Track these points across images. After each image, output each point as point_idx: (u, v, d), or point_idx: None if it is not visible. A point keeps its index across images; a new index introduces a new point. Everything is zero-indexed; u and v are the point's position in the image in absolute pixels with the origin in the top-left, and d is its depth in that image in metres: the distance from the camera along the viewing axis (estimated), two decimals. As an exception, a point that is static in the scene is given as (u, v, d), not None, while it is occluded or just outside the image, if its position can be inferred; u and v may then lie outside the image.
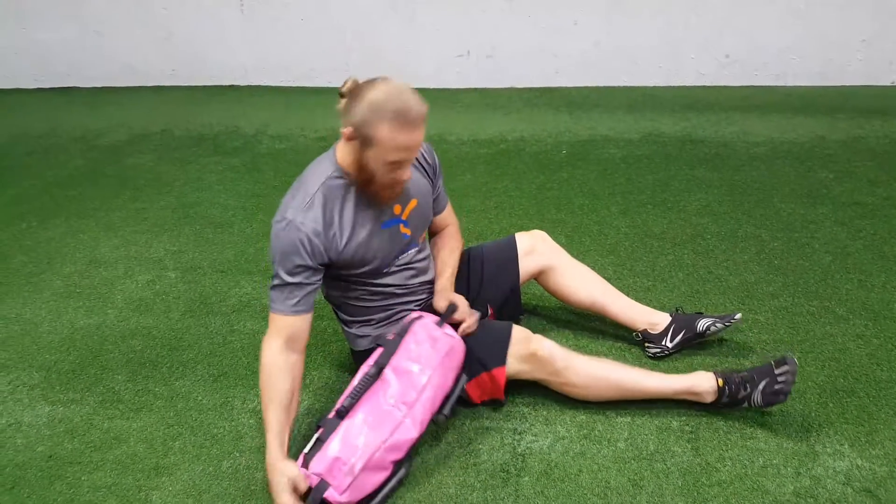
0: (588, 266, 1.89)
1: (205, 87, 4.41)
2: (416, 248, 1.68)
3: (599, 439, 1.60)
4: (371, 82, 1.45)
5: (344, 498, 1.40)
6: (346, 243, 1.52)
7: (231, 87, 4.38)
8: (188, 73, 4.45)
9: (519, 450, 1.58)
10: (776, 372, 1.58)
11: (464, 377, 1.62)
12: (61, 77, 4.63)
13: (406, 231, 1.63)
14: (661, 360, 1.84)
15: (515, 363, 1.62)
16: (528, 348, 1.61)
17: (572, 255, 1.89)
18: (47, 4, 4.37)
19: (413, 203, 1.64)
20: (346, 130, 1.44)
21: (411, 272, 1.68)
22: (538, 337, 1.65)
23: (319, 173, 1.53)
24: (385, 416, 1.46)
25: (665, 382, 1.65)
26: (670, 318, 1.84)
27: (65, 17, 4.39)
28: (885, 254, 2.24)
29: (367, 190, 1.51)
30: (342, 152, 1.52)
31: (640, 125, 3.44)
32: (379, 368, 1.52)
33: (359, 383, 1.50)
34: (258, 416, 1.71)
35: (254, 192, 2.94)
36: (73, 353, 2.01)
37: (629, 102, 3.77)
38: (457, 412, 1.66)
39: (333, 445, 1.42)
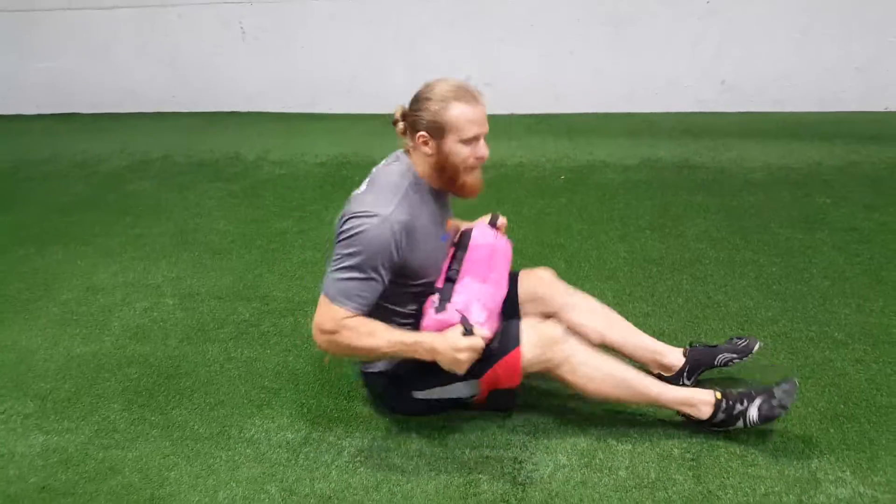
0: (588, 293, 1.87)
1: (206, 112, 4.43)
2: None
3: (600, 468, 1.58)
4: (423, 90, 1.54)
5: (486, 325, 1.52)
6: (421, 249, 1.55)
7: (232, 113, 4.41)
8: (190, 100, 4.48)
9: (519, 479, 1.56)
10: (775, 390, 1.59)
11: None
12: (62, 103, 4.66)
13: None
14: None
15: (529, 348, 1.57)
16: (541, 330, 1.60)
17: (571, 281, 1.87)
18: (50, 32, 4.42)
19: (449, 222, 1.74)
20: (420, 136, 1.51)
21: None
22: (550, 321, 1.65)
23: (400, 173, 1.56)
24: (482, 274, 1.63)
25: (666, 389, 1.64)
26: (684, 360, 1.79)
27: (67, 44, 4.43)
28: (883, 278, 2.24)
29: (455, 184, 1.57)
30: (417, 161, 1.57)
31: (638, 151, 3.46)
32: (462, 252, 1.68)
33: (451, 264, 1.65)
34: (255, 445, 1.70)
35: (253, 218, 2.94)
36: (69, 381, 2.00)
37: (628, 128, 3.79)
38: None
39: (457, 297, 1.55)
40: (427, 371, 1.55)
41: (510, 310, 1.76)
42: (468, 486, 1.56)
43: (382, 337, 1.49)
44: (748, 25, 3.76)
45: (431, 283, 1.62)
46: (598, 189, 3.06)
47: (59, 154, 3.88)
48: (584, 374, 1.60)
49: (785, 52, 3.79)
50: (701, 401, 1.62)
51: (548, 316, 1.79)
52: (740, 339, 1.82)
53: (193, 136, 4.03)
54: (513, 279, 1.81)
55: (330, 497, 1.55)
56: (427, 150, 1.52)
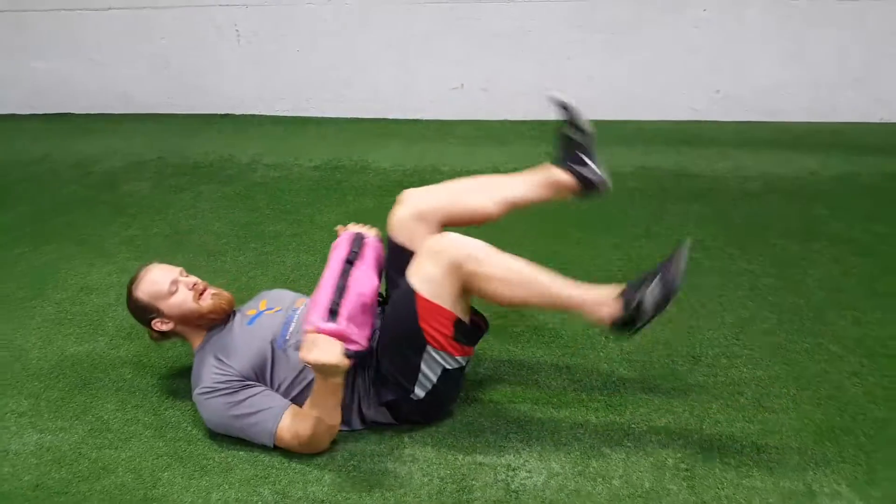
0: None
1: (200, 115, 4.42)
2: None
3: (594, 476, 1.58)
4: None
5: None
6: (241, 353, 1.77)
7: (226, 115, 4.40)
8: (184, 102, 4.46)
9: (513, 486, 1.56)
10: (667, 263, 1.56)
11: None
12: (56, 104, 4.64)
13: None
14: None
15: (422, 286, 1.55)
16: (419, 265, 1.58)
17: None
18: (43, 33, 4.40)
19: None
20: (154, 325, 1.78)
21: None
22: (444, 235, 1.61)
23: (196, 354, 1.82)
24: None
25: (568, 286, 1.61)
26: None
27: (62, 45, 4.42)
28: (879, 291, 2.25)
29: (203, 317, 1.78)
30: (188, 336, 1.82)
31: (633, 158, 3.47)
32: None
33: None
34: (248, 447, 1.69)
35: (247, 221, 2.93)
36: (63, 380, 1.99)
37: (622, 136, 3.80)
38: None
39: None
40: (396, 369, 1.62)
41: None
42: (461, 492, 1.55)
43: (315, 405, 1.59)
44: (744, 35, 3.78)
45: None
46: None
47: (52, 154, 3.86)
48: (495, 276, 1.53)
49: (780, 62, 3.81)
50: (602, 295, 1.58)
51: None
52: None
53: (188, 139, 4.02)
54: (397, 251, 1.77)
55: (323, 501, 1.54)
56: (165, 326, 1.77)
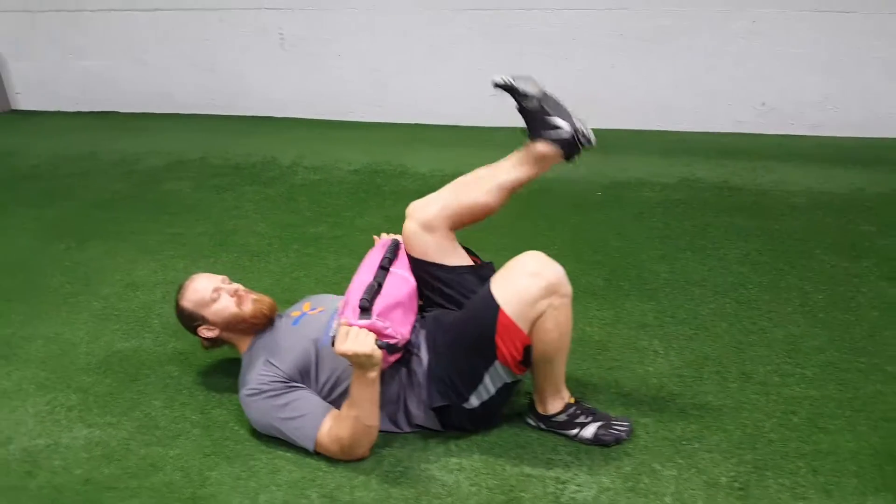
0: (629, 312, 1.84)
1: (241, 117, 4.48)
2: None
3: (646, 493, 1.55)
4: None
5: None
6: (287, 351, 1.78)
7: (267, 118, 4.45)
8: (226, 103, 4.52)
9: (563, 500, 1.54)
10: (613, 422, 1.69)
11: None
12: (101, 102, 4.73)
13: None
14: None
15: (508, 305, 1.54)
16: (516, 281, 1.56)
17: (612, 299, 1.88)
18: (92, 32, 4.50)
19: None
20: (200, 332, 1.82)
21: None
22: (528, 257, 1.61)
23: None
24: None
25: None
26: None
27: (110, 44, 4.51)
28: (934, 311, 2.19)
29: (247, 321, 1.81)
30: (235, 343, 1.85)
31: (675, 169, 3.43)
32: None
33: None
34: (295, 448, 1.69)
35: (289, 223, 2.95)
36: (111, 375, 2.01)
37: (663, 146, 3.77)
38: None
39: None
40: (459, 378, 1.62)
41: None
42: (510, 503, 1.54)
43: (353, 404, 1.59)
44: (792, 47, 3.72)
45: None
46: (634, 207, 3.03)
47: (97, 151, 3.93)
48: (561, 319, 1.57)
49: (829, 74, 3.75)
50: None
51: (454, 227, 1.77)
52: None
53: (229, 139, 4.07)
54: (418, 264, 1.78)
55: (371, 506, 1.54)
56: (210, 333, 1.81)
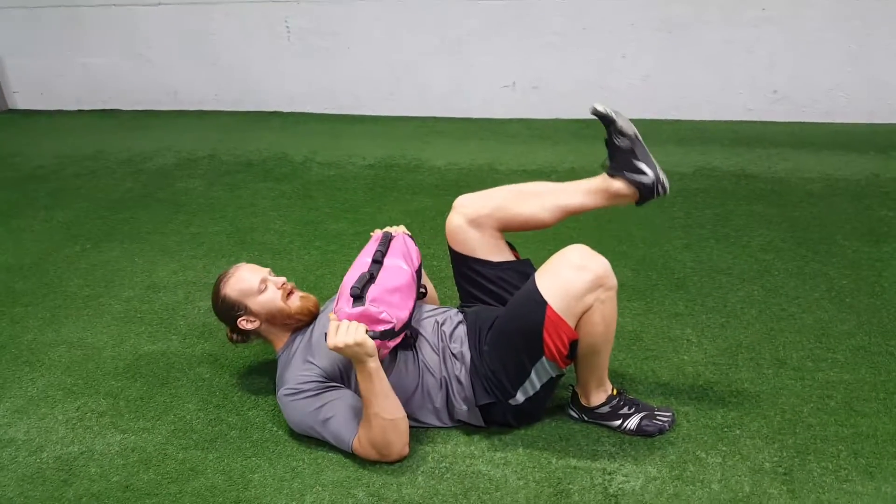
0: (660, 302, 1.83)
1: (248, 112, 4.44)
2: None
3: (692, 480, 1.55)
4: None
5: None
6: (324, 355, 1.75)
7: (275, 113, 4.41)
8: (232, 99, 4.48)
9: (611, 490, 1.53)
10: (657, 412, 1.69)
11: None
12: (104, 100, 4.68)
13: None
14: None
15: (555, 300, 1.51)
16: (562, 274, 1.53)
17: (641, 289, 1.89)
18: (94, 28, 4.44)
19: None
20: (241, 323, 1.77)
21: None
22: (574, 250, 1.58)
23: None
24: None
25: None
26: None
27: (112, 41, 4.45)
28: (959, 294, 2.19)
29: (292, 317, 1.77)
30: (269, 336, 1.81)
31: (691, 158, 3.42)
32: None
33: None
34: (338, 449, 1.67)
35: (309, 220, 2.92)
36: (140, 379, 1.99)
37: (678, 136, 3.76)
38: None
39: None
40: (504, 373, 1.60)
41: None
42: (559, 496, 1.53)
43: (367, 403, 1.57)
44: (803, 35, 3.72)
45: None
46: (653, 197, 3.02)
47: (104, 151, 3.89)
48: (608, 312, 1.54)
49: (839, 62, 3.75)
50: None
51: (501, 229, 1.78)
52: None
53: (238, 135, 4.03)
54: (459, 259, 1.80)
55: (419, 503, 1.52)
56: (250, 325, 1.76)
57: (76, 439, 1.77)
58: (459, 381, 1.68)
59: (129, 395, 1.92)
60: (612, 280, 1.54)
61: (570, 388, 1.74)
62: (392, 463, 1.63)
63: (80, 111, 4.70)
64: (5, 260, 2.71)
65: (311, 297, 1.81)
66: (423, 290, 1.83)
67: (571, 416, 1.73)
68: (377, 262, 1.66)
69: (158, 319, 2.27)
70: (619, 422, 1.67)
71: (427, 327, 1.74)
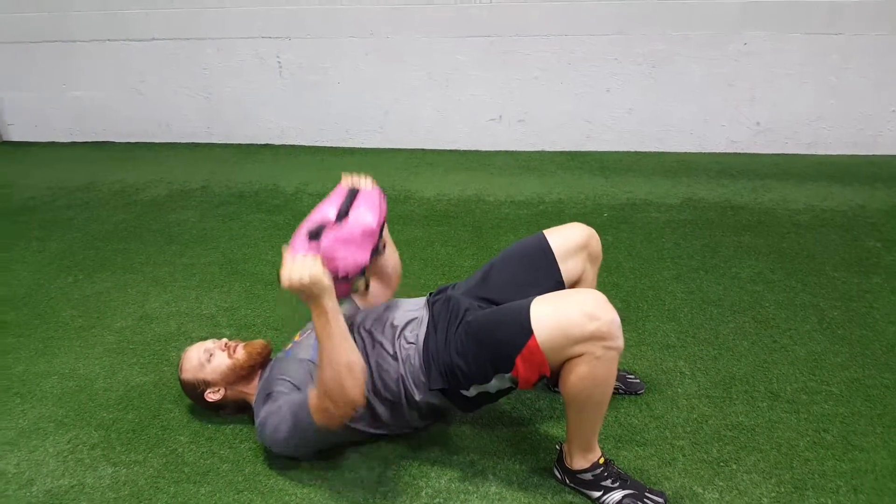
0: (651, 333, 1.85)
1: (240, 144, 4.46)
2: None
3: (688, 514, 1.55)
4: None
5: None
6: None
7: (266, 145, 4.44)
8: (223, 132, 4.51)
9: (607, 524, 1.53)
10: (647, 494, 1.57)
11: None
12: (96, 132, 4.69)
13: None
14: None
15: (544, 332, 1.45)
16: (562, 308, 1.47)
17: (632, 321, 1.91)
18: (87, 62, 4.47)
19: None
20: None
21: None
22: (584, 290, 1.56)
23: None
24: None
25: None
26: None
27: (105, 74, 4.48)
28: (949, 325, 2.22)
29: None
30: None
31: (677, 190, 3.47)
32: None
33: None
34: (329, 482, 1.67)
35: (300, 250, 2.93)
36: (132, 412, 1.97)
37: (663, 168, 3.81)
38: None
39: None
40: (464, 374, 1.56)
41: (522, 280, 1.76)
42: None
43: (321, 347, 1.52)
44: (784, 68, 3.80)
45: None
46: (643, 227, 3.06)
47: (96, 182, 3.89)
48: (601, 374, 1.45)
49: (820, 94, 3.83)
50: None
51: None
52: (632, 374, 1.97)
53: (230, 168, 4.05)
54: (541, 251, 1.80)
55: (414, 539, 1.51)
56: (216, 395, 1.82)
57: (67, 472, 1.75)
58: (412, 364, 1.65)
59: (120, 428, 1.91)
60: (618, 341, 1.43)
61: (558, 446, 1.68)
62: (389, 489, 1.61)
63: (73, 143, 4.71)
64: (-4, 291, 2.69)
65: (256, 341, 1.86)
66: (382, 246, 1.76)
67: (555, 476, 1.66)
68: (341, 215, 1.60)
69: (151, 350, 2.26)
70: (599, 493, 1.57)
71: (385, 330, 1.73)
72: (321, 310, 1.48)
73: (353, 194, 1.66)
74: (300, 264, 1.44)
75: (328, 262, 1.51)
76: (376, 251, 1.68)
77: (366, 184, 1.74)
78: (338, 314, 1.50)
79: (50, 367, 2.20)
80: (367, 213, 1.63)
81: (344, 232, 1.57)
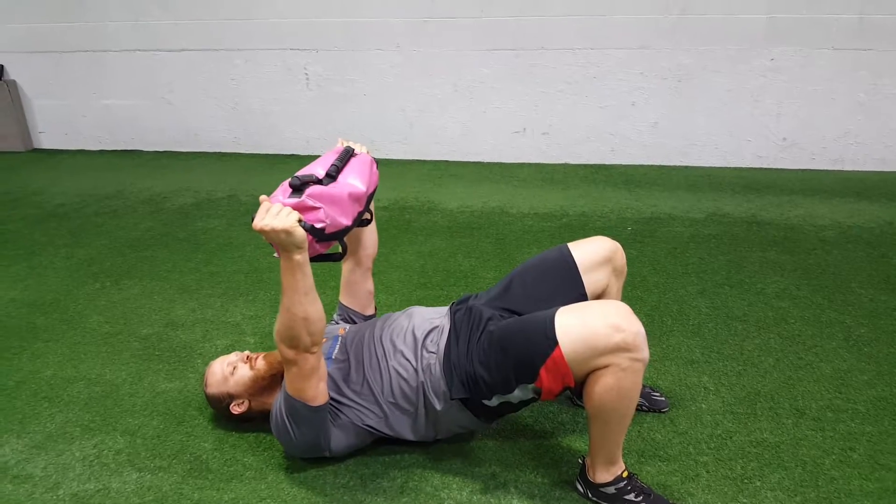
0: (675, 348, 1.84)
1: (265, 155, 4.52)
2: None
3: (712, 532, 1.53)
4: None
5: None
6: None
7: (292, 156, 4.49)
8: (251, 142, 4.57)
9: (629, 540, 1.52)
10: None
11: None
12: (125, 141, 4.78)
13: None
14: None
15: (570, 344, 1.45)
16: (588, 319, 1.47)
17: (656, 335, 1.89)
18: (118, 71, 4.57)
19: None
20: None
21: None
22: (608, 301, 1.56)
23: None
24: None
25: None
26: None
27: (135, 84, 4.57)
28: (981, 345, 2.18)
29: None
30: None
31: (702, 205, 3.45)
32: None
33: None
34: (352, 492, 1.67)
35: (324, 260, 2.95)
36: (157, 417, 1.99)
37: (688, 182, 3.80)
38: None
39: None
40: (487, 383, 1.56)
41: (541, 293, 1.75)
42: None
43: (283, 293, 1.52)
44: (812, 83, 3.78)
45: None
46: (667, 242, 3.04)
47: (125, 190, 3.96)
48: (626, 386, 1.43)
49: (849, 110, 3.80)
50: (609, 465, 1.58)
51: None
52: (657, 392, 1.94)
53: (256, 177, 4.10)
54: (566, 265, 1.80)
55: (435, 550, 1.51)
56: (241, 407, 1.83)
57: (93, 477, 1.77)
58: (432, 373, 1.65)
59: (146, 433, 1.93)
60: (643, 353, 1.42)
61: (581, 459, 1.67)
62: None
63: (102, 151, 4.80)
64: (27, 296, 2.74)
65: (275, 351, 1.84)
66: (368, 216, 1.76)
67: (577, 490, 1.64)
68: (330, 175, 1.58)
69: (176, 357, 2.29)
70: None
71: (406, 338, 1.74)
72: (290, 262, 1.48)
73: (347, 154, 1.66)
74: (274, 213, 1.42)
75: (311, 210, 1.48)
76: (360, 219, 1.66)
77: (361, 149, 1.74)
78: (307, 269, 1.50)
79: (77, 372, 2.23)
80: (358, 178, 1.62)
81: (333, 189, 1.54)
